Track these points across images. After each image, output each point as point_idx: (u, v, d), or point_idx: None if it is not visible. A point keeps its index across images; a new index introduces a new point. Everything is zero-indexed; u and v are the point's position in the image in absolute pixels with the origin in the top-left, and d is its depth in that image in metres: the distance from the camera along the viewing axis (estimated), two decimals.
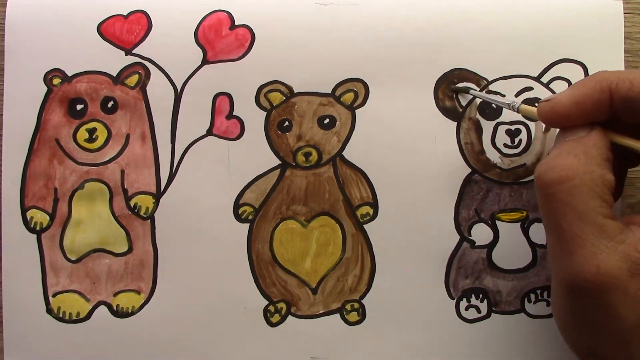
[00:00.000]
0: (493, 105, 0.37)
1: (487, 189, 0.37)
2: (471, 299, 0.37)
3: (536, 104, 0.31)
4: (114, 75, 0.37)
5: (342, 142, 0.37)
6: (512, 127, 0.37)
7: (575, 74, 0.37)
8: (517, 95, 0.37)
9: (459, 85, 0.37)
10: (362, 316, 0.38)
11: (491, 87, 0.37)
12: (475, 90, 0.37)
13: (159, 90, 0.37)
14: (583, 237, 0.26)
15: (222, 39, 0.37)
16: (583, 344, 0.29)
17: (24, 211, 0.37)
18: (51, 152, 0.37)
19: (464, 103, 0.37)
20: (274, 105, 0.37)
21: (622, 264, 0.26)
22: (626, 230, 0.27)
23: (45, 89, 0.37)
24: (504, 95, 0.37)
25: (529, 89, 0.37)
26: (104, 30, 0.37)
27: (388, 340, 0.37)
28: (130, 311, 0.37)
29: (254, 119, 0.37)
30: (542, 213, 0.29)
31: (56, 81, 0.37)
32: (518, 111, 0.33)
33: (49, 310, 0.37)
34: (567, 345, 0.30)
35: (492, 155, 0.37)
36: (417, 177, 0.37)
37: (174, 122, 0.37)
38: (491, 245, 0.37)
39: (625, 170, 0.34)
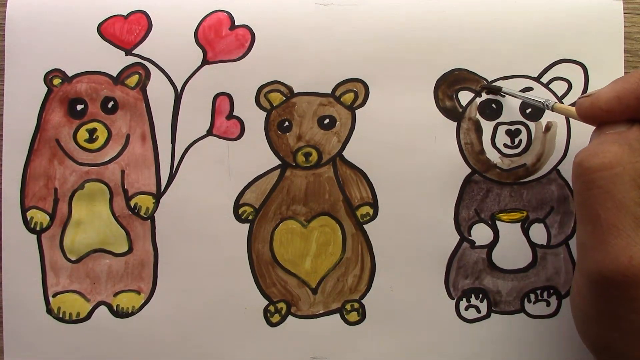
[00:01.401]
0: (493, 105, 0.37)
1: (487, 189, 0.37)
2: (471, 299, 0.37)
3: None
4: (114, 75, 0.37)
5: (342, 142, 0.37)
6: (512, 127, 0.37)
7: (575, 74, 0.37)
8: None
9: (492, 84, 0.37)
10: (362, 316, 0.38)
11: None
12: (507, 89, 0.36)
13: (159, 91, 0.37)
14: (620, 227, 0.26)
15: (222, 39, 0.37)
16: (600, 337, 0.29)
17: (24, 211, 0.37)
18: (51, 152, 0.37)
19: (464, 103, 0.37)
20: (274, 105, 0.37)
21: None
22: None
23: (45, 89, 0.37)
24: (503, 96, 0.37)
25: (529, 89, 0.37)
26: (104, 30, 0.37)
27: (388, 340, 0.37)
28: (130, 311, 0.37)
29: (254, 119, 0.37)
30: (578, 201, 0.28)
31: (56, 81, 0.37)
32: (553, 110, 0.33)
33: (49, 311, 0.37)
34: (581, 338, 0.30)
35: (492, 155, 0.37)
36: (417, 177, 0.37)
37: (174, 122, 0.37)
38: (491, 246, 0.37)
39: None
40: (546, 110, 0.34)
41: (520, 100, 0.37)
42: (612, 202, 0.26)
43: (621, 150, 0.27)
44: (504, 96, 0.37)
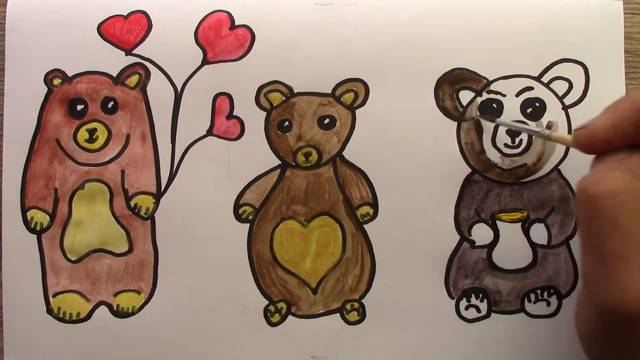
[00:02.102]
0: (493, 105, 0.37)
1: (488, 189, 0.37)
2: (471, 299, 0.37)
3: (548, 125, 0.30)
4: (114, 75, 0.37)
5: (342, 142, 0.37)
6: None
7: (575, 73, 0.37)
8: (517, 95, 0.37)
9: (485, 115, 0.37)
10: (362, 316, 0.38)
11: (492, 87, 0.37)
12: (500, 119, 0.37)
13: (159, 91, 0.37)
14: (627, 258, 0.25)
15: (222, 39, 0.37)
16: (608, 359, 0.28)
17: (24, 211, 0.37)
18: (51, 152, 0.37)
19: (464, 102, 0.37)
20: (274, 105, 0.37)
21: None
22: None
23: (45, 89, 0.37)
24: (504, 95, 0.37)
25: (530, 88, 0.37)
26: (104, 30, 0.37)
27: (388, 340, 0.37)
28: (130, 311, 0.37)
29: (254, 119, 0.37)
30: (583, 230, 0.27)
31: (56, 81, 0.37)
32: (550, 139, 0.33)
33: (49, 311, 0.37)
34: (585, 354, 0.30)
35: (493, 155, 0.37)
36: (417, 177, 0.37)
37: (174, 122, 0.37)
38: (491, 245, 0.37)
39: None
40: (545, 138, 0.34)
41: (521, 100, 0.37)
42: (619, 232, 0.25)
43: (625, 177, 0.26)
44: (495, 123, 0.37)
